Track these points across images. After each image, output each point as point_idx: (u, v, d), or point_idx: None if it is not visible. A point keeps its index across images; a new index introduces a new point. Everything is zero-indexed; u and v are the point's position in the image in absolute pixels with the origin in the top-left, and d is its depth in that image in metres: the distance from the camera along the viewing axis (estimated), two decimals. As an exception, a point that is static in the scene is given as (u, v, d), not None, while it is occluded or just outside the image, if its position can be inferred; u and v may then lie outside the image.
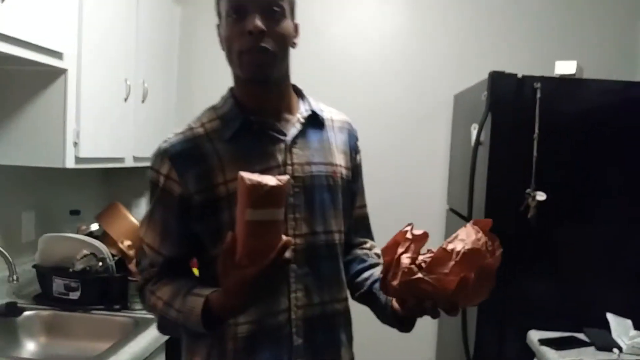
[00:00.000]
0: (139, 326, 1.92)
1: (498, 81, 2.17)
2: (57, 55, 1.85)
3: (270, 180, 0.93)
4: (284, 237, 0.97)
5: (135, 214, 2.66)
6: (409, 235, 1.04)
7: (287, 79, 1.23)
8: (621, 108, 2.18)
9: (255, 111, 1.18)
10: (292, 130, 1.18)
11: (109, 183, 3.03)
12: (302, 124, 1.20)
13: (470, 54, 2.96)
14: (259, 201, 0.92)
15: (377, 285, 1.19)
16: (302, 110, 1.22)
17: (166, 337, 1.95)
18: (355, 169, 1.30)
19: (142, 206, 3.08)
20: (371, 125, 3.01)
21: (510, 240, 2.16)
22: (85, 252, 2.09)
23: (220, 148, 1.15)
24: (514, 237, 2.17)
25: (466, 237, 0.99)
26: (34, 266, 2.15)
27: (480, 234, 1.00)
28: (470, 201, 2.23)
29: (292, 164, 1.16)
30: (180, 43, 3.05)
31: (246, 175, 0.93)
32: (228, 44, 1.14)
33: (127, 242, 2.14)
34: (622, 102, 2.18)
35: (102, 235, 2.25)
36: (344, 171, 1.24)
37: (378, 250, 1.34)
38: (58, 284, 2.06)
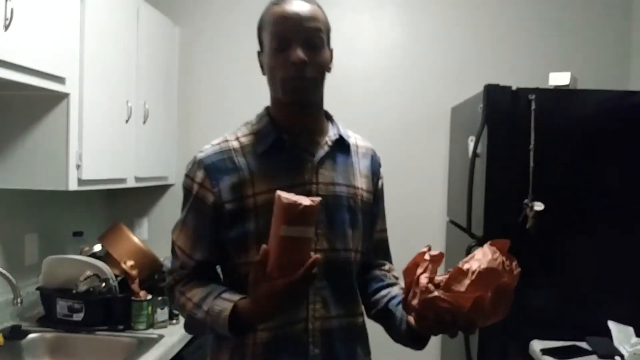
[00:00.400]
0: (142, 346, 1.93)
1: (493, 94, 2.20)
2: (60, 80, 1.89)
3: (304, 200, 1.00)
4: (313, 255, 1.03)
5: (138, 234, 2.69)
6: (427, 257, 1.08)
7: (320, 103, 1.31)
8: (615, 117, 2.21)
9: (288, 131, 1.25)
10: (320, 152, 1.25)
11: (111, 204, 3.05)
12: (330, 146, 1.27)
13: (466, 67, 3.00)
14: (293, 219, 0.99)
15: (393, 302, 1.26)
16: (330, 134, 1.29)
17: (170, 357, 1.96)
18: (376, 193, 1.37)
19: (145, 226, 3.10)
20: (369, 140, 3.03)
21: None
22: (88, 273, 2.10)
23: (252, 162, 1.23)
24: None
25: (482, 257, 1.03)
26: (38, 288, 2.16)
27: (497, 254, 1.03)
28: (469, 213, 2.25)
29: (317, 183, 1.23)
30: (179, 64, 3.09)
31: (283, 194, 1.01)
32: (271, 71, 1.22)
33: (130, 262, 2.15)
34: (616, 111, 2.21)
35: (105, 256, 2.26)
36: (364, 194, 1.31)
37: (396, 273, 1.39)
38: (62, 306, 2.07)
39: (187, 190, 1.27)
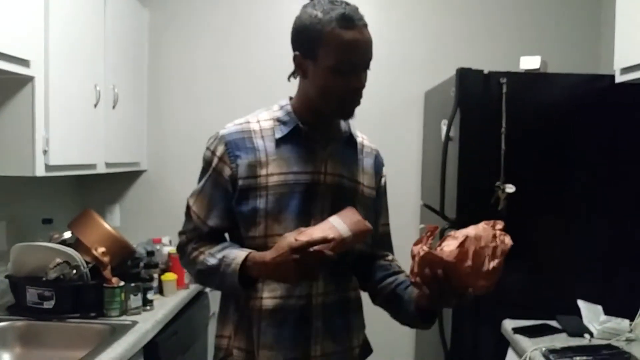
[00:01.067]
0: (115, 333, 1.90)
1: (465, 77, 2.21)
2: (24, 62, 1.83)
3: (368, 225, 1.23)
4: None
5: (110, 221, 2.65)
6: (425, 234, 1.20)
7: None
8: (585, 100, 2.24)
9: (307, 123, 1.36)
10: (332, 146, 1.38)
11: (81, 190, 3.01)
12: (340, 142, 1.40)
13: (439, 52, 3.01)
14: (359, 236, 1.20)
15: (401, 287, 1.39)
16: (342, 130, 1.42)
17: (144, 343, 1.95)
18: (379, 190, 1.49)
19: (117, 212, 3.06)
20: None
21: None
22: (58, 260, 2.06)
23: (269, 145, 1.34)
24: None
25: (474, 228, 1.14)
26: (7, 276, 2.12)
27: (489, 227, 1.14)
28: (442, 196, 2.27)
29: (326, 173, 1.35)
30: (149, 47, 3.04)
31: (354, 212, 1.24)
32: (327, 89, 1.29)
33: (101, 249, 2.12)
34: (586, 95, 2.24)
35: (75, 243, 2.22)
36: (366, 190, 1.43)
37: (399, 263, 1.52)
38: (32, 294, 2.03)
39: (206, 162, 1.38)
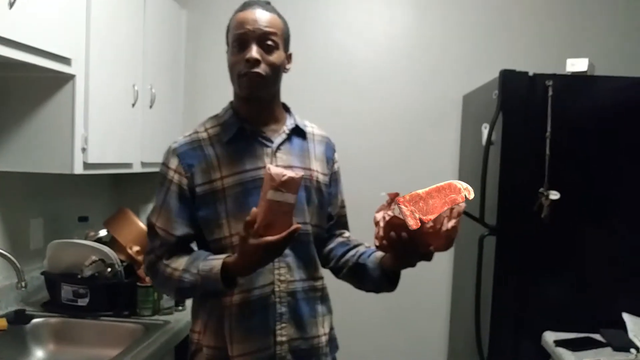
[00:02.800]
0: (148, 332, 1.90)
1: (509, 79, 2.15)
2: (66, 61, 1.84)
3: (289, 172, 1.20)
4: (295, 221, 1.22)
5: (144, 220, 2.64)
6: (387, 201, 1.26)
7: (277, 97, 1.50)
8: (633, 105, 2.15)
9: (249, 121, 1.44)
10: (278, 139, 1.45)
11: (117, 189, 3.02)
12: (287, 134, 1.47)
13: (478, 54, 2.94)
14: (278, 185, 1.18)
15: (363, 256, 1.48)
16: (288, 124, 1.49)
17: (175, 343, 1.94)
18: (332, 175, 1.57)
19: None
20: (380, 129, 2.99)
21: (523, 239, 2.15)
22: (93, 258, 2.07)
23: (219, 149, 1.42)
24: (528, 237, 2.14)
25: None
26: (43, 273, 2.14)
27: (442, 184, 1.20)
28: (482, 202, 2.20)
29: (277, 166, 1.36)
30: (186, 47, 3.05)
31: (272, 166, 1.22)
32: (231, 67, 1.41)
33: (136, 248, 2.12)
34: (634, 99, 2.15)
35: (110, 241, 2.24)
36: (320, 176, 1.50)
37: (354, 237, 1.62)
38: (66, 291, 2.05)
39: (162, 176, 1.44)
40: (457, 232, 1.22)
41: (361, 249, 1.53)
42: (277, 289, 1.39)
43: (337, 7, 3.00)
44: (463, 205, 1.21)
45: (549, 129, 2.09)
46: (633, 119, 2.15)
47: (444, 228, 1.19)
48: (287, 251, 1.38)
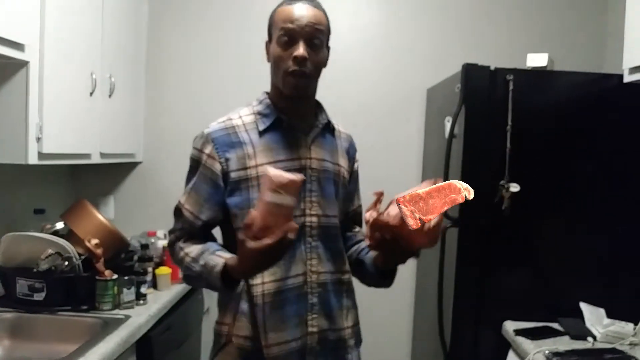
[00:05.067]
0: (107, 327, 1.86)
1: (471, 73, 2.17)
2: (18, 46, 1.77)
3: (288, 174, 1.18)
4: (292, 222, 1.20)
5: (104, 213, 2.59)
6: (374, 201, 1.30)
7: (314, 95, 1.51)
8: (591, 99, 2.20)
9: (286, 113, 1.44)
10: (313, 132, 1.47)
11: (75, 181, 2.95)
12: (321, 129, 1.48)
13: (442, 48, 2.97)
14: (277, 187, 1.17)
15: (362, 253, 1.52)
16: (320, 119, 1.50)
17: (137, 338, 1.90)
18: (352, 174, 1.60)
19: (111, 204, 3.01)
20: (344, 122, 2.93)
21: (484, 231, 2.18)
22: (50, 251, 2.01)
23: (254, 138, 1.42)
24: (489, 228, 2.17)
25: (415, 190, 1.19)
26: (-4, 267, 2.07)
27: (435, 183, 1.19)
28: (444, 194, 2.22)
29: (311, 158, 1.43)
30: (148, 36, 2.98)
31: (270, 168, 1.21)
32: (276, 63, 1.40)
33: (95, 241, 2.06)
34: (592, 94, 2.21)
35: (68, 234, 2.17)
36: (345, 172, 1.53)
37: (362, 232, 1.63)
38: (22, 285, 1.98)
39: (195, 160, 1.45)
40: (440, 228, 1.23)
41: (362, 244, 1.55)
42: (309, 279, 1.41)
43: (302, -2, 2.97)
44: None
45: (509, 122, 2.13)
46: (591, 113, 2.20)
47: (426, 226, 1.19)
48: (318, 243, 1.42)
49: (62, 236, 2.13)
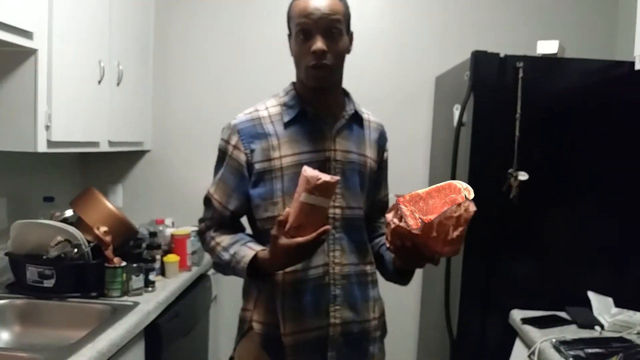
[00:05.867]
0: (116, 313, 1.87)
1: (480, 61, 2.15)
2: (27, 34, 1.77)
3: (325, 176, 1.20)
4: (326, 225, 1.23)
5: (112, 201, 2.60)
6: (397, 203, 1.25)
7: (340, 83, 1.51)
8: (602, 87, 2.18)
9: (311, 104, 1.45)
10: (338, 124, 1.46)
11: (84, 169, 2.96)
12: (347, 119, 1.48)
13: (450, 36, 2.94)
14: (312, 189, 1.19)
15: (383, 247, 1.53)
16: (347, 109, 1.50)
17: (145, 324, 1.92)
18: (381, 164, 1.59)
19: (119, 192, 3.02)
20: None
21: (492, 220, 2.17)
22: (59, 238, 2.02)
23: (279, 129, 1.43)
24: (497, 217, 2.17)
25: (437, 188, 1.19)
26: (7, 254, 2.08)
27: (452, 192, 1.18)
28: (452, 182, 2.21)
29: (335, 150, 1.44)
30: (155, 24, 2.97)
31: (308, 169, 1.22)
32: (297, 58, 1.42)
33: (103, 228, 2.08)
34: (603, 81, 2.18)
35: (77, 222, 2.18)
36: (372, 163, 1.52)
37: None
38: (32, 272, 2.00)
39: (222, 151, 1.48)
40: (463, 239, 1.20)
41: (383, 239, 1.52)
42: (331, 270, 1.41)
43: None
44: (472, 211, 1.19)
45: (519, 110, 2.11)
46: (601, 101, 2.18)
47: (449, 237, 1.18)
48: (342, 234, 1.43)
49: (71, 224, 2.14)
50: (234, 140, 1.44)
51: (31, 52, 1.83)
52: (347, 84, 3.10)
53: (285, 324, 1.40)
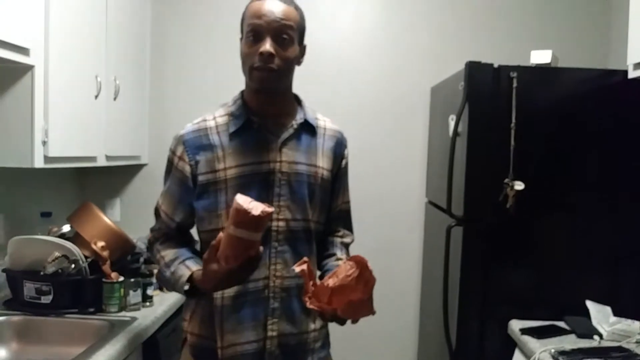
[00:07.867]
0: (114, 329, 1.87)
1: (475, 71, 2.16)
2: (24, 51, 1.78)
3: (257, 209, 1.16)
4: (256, 252, 1.22)
5: (110, 215, 2.60)
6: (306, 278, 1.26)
7: (289, 90, 1.48)
8: (595, 96, 2.19)
9: (258, 113, 1.43)
10: (285, 134, 1.43)
11: (81, 184, 2.96)
12: (295, 129, 1.44)
13: (445, 46, 2.96)
14: (240, 222, 1.16)
15: (327, 273, 1.41)
16: (297, 118, 1.46)
17: (143, 339, 1.91)
18: (338, 172, 1.55)
19: (117, 207, 3.02)
20: (349, 122, 2.94)
21: (489, 230, 2.17)
22: (56, 254, 2.02)
23: (224, 140, 1.41)
24: (493, 227, 2.17)
25: (341, 273, 1.21)
26: (4, 270, 2.08)
27: (352, 270, 1.20)
28: (449, 193, 2.22)
29: (281, 161, 1.41)
30: (151, 40, 2.99)
31: (240, 198, 1.17)
32: (244, 59, 1.39)
33: (101, 243, 2.07)
34: (596, 90, 2.19)
35: (74, 237, 2.18)
36: (325, 172, 1.48)
37: (348, 239, 1.63)
38: (29, 288, 1.99)
39: (169, 162, 1.48)
40: (371, 301, 1.24)
41: (330, 263, 1.52)
42: (271, 284, 1.40)
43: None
44: (373, 281, 1.22)
45: (513, 120, 2.12)
46: (596, 110, 2.19)
47: (358, 311, 1.24)
48: (285, 247, 1.41)
49: (68, 239, 2.14)
50: (179, 151, 1.44)
51: (28, 68, 1.84)
52: (343, 95, 3.13)
53: (223, 337, 1.40)
